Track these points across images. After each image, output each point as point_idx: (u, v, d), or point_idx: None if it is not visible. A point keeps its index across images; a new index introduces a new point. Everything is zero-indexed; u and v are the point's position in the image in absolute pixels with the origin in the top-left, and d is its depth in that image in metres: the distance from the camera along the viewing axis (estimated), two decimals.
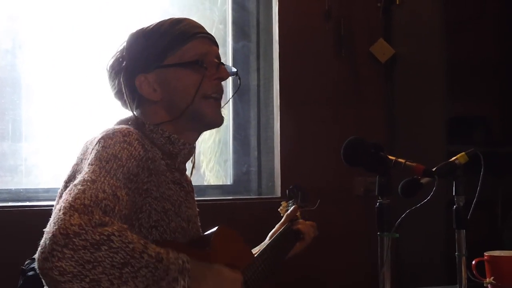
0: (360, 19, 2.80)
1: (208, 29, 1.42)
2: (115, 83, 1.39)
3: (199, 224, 1.43)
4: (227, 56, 2.73)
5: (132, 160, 1.19)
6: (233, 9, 2.76)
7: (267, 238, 1.69)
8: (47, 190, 2.39)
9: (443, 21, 2.88)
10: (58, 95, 2.47)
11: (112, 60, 1.39)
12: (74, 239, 0.99)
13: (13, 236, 2.15)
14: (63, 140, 2.46)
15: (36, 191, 2.39)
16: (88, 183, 1.10)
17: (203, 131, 1.43)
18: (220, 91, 1.39)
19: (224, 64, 1.41)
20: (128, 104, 1.38)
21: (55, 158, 2.44)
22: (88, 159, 1.20)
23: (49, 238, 1.00)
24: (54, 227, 1.01)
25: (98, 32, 2.50)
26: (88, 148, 1.25)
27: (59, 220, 1.01)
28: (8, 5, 2.43)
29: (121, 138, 1.21)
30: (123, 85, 1.37)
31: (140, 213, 1.22)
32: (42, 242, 1.01)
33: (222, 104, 1.41)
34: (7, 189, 2.37)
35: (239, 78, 1.46)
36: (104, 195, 1.08)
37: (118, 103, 1.43)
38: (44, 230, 1.03)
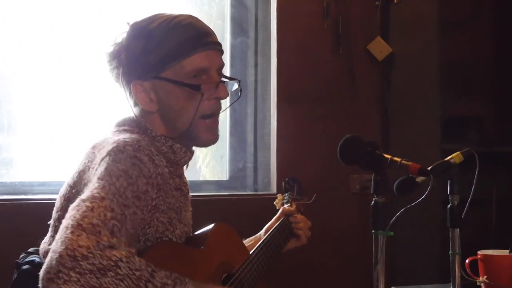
0: (358, 17, 2.80)
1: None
2: (112, 68, 1.35)
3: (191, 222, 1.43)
4: (225, 52, 2.72)
5: (142, 177, 1.18)
6: (232, 5, 2.76)
7: (263, 231, 1.69)
8: (43, 183, 2.39)
9: (439, 20, 2.89)
10: (54, 88, 2.46)
11: (112, 48, 1.35)
12: (81, 262, 0.99)
13: (8, 230, 2.14)
14: (59, 133, 2.45)
15: (31, 184, 2.38)
16: (97, 201, 1.09)
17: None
18: (218, 109, 1.37)
19: (225, 77, 1.39)
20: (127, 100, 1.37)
21: (51, 151, 2.43)
22: (96, 170, 1.19)
23: (56, 258, 0.99)
24: (62, 247, 1.00)
25: (94, 27, 2.49)
26: (96, 156, 1.24)
27: (66, 240, 1.01)
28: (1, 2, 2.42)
29: (131, 153, 1.20)
30: (121, 84, 1.35)
31: (148, 228, 1.21)
32: (47, 260, 1.01)
33: (220, 113, 1.39)
34: (2, 182, 2.36)
35: (240, 90, 1.42)
36: (112, 214, 1.08)
37: (114, 93, 1.40)
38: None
